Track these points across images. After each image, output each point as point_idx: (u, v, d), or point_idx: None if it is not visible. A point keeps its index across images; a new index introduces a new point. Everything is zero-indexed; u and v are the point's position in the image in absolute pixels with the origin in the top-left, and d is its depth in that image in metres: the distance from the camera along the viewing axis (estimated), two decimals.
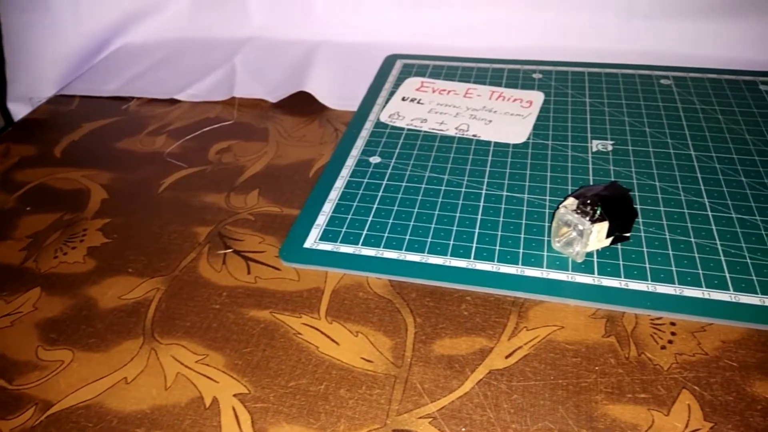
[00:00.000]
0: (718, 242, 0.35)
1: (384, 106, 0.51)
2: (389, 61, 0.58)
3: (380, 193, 0.41)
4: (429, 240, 0.37)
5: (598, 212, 0.33)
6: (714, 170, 0.41)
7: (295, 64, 0.58)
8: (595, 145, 0.45)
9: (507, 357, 0.30)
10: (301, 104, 0.53)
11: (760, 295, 0.32)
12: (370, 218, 0.39)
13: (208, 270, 0.37)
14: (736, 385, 0.28)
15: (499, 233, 0.37)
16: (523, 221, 0.38)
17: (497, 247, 0.36)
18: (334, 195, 0.41)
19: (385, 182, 0.42)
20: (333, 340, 0.32)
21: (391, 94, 0.53)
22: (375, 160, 0.45)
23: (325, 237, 0.38)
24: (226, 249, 0.38)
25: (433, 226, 0.38)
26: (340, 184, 0.42)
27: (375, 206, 0.40)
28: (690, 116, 0.47)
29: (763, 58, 0.53)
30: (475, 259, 0.35)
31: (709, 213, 0.37)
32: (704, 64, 0.53)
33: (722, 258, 0.34)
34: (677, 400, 0.28)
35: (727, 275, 0.33)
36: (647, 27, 0.56)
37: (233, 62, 0.59)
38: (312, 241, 0.38)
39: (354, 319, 0.33)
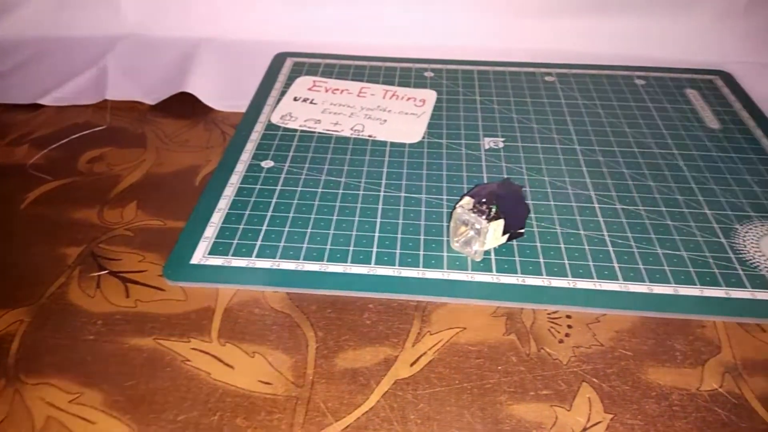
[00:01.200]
0: (605, 233, 0.37)
1: (275, 107, 0.49)
2: (278, 60, 0.56)
3: (274, 200, 0.39)
4: (328, 247, 0.35)
5: (494, 210, 0.33)
6: (597, 163, 0.43)
7: (175, 63, 0.54)
8: (487, 142, 0.45)
9: (412, 365, 0.29)
10: (184, 106, 0.49)
11: (647, 283, 0.33)
12: (263, 227, 0.37)
13: (79, 296, 0.33)
14: (632, 374, 0.29)
15: (399, 236, 0.36)
16: (422, 222, 0.37)
17: (398, 251, 0.35)
18: (223, 204, 0.38)
19: (278, 188, 0.40)
20: (227, 365, 0.29)
21: (282, 93, 0.51)
22: (267, 164, 0.42)
23: (214, 250, 0.35)
24: (101, 270, 0.34)
25: (331, 232, 0.36)
26: (229, 191, 0.40)
27: (269, 214, 0.38)
28: (573, 111, 0.48)
29: (637, 53, 0.56)
30: (376, 264, 0.34)
31: (596, 205, 0.39)
32: (585, 60, 0.55)
33: (610, 249, 0.36)
34: (578, 394, 0.28)
35: (616, 265, 0.34)
36: (531, 25, 0.58)
37: (104, 62, 0.54)
38: (200, 255, 0.35)
39: (250, 338, 0.31)
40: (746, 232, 0.37)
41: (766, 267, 0.34)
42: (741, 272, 0.34)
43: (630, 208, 0.39)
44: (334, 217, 0.37)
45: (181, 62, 0.54)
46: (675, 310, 0.32)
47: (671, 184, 0.40)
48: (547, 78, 0.53)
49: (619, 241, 0.36)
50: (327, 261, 0.34)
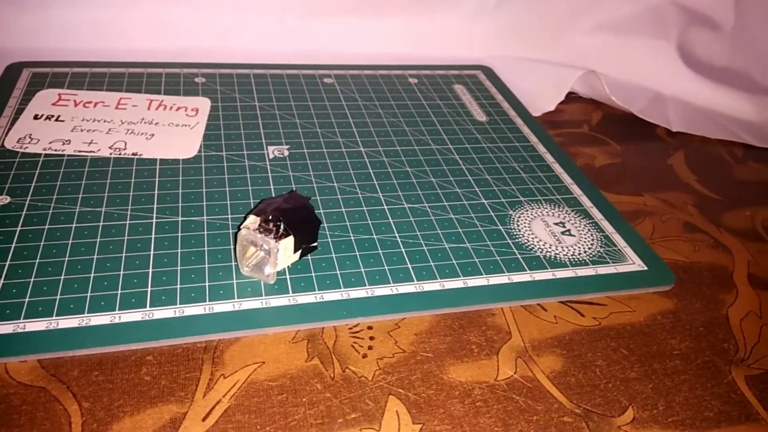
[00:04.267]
0: (397, 235, 0.36)
1: (9, 129, 0.40)
2: (12, 71, 0.47)
3: (13, 245, 0.32)
4: (89, 295, 0.30)
5: (282, 228, 0.31)
6: (383, 164, 0.43)
7: None
8: (272, 151, 0.42)
9: (204, 419, 0.26)
10: None
11: (439, 280, 0.34)
12: (0, 282, 0.30)
13: None
14: (435, 377, 0.29)
15: (179, 268, 0.32)
16: (206, 248, 0.34)
17: (178, 286, 0.31)
18: None
19: (18, 229, 0.33)
20: None
21: (19, 112, 0.42)
22: (2, 201, 0.34)
23: None
24: None
25: (92, 275, 0.31)
26: None
27: (6, 264, 0.30)
28: (355, 113, 0.48)
29: (407, 51, 0.58)
30: (152, 306, 0.30)
31: (385, 207, 0.39)
32: (360, 60, 0.55)
33: (403, 250, 0.35)
34: (386, 409, 0.27)
35: (410, 266, 0.34)
36: (303, 26, 0.56)
37: None
38: None
39: None
40: (519, 217, 0.39)
41: (539, 248, 0.37)
42: (519, 256, 0.36)
43: (416, 206, 0.39)
44: (95, 257, 0.32)
45: None
46: (466, 303, 0.33)
47: (450, 178, 0.42)
48: (326, 80, 0.52)
49: (410, 241, 0.36)
50: (88, 312, 0.29)
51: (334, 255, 0.34)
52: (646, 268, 0.37)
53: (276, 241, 0.31)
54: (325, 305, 0.31)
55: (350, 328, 0.31)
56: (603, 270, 0.36)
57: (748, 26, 0.62)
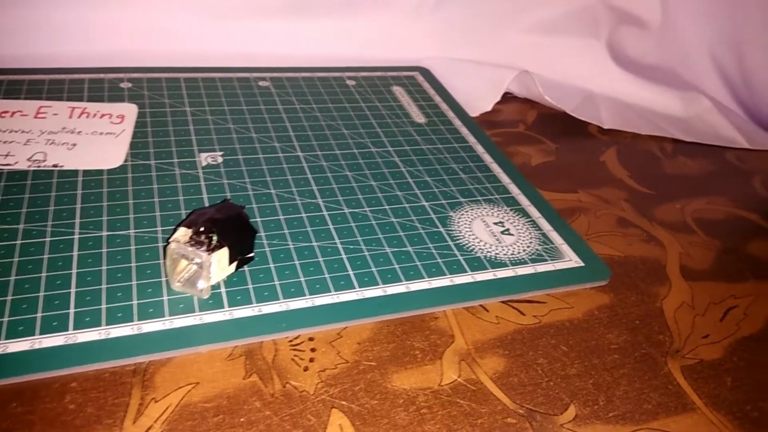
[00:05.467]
0: (337, 241, 0.36)
1: None
2: None
3: None
4: (6, 320, 0.28)
5: (215, 240, 0.30)
6: (322, 169, 0.42)
7: None
8: (204, 158, 0.41)
9: None
10: None
11: (381, 285, 0.33)
12: None
13: None
14: (378, 386, 0.28)
15: (104, 286, 0.30)
16: (133, 264, 0.32)
17: (103, 306, 0.29)
18: None
19: None
20: None
21: None
22: None
23: None
24: None
25: (9, 298, 0.29)
26: None
27: None
28: (292, 117, 0.47)
29: (346, 53, 0.57)
30: (75, 329, 0.28)
31: (325, 213, 0.38)
32: (296, 63, 0.54)
33: (344, 256, 0.35)
34: (328, 423, 0.26)
35: (351, 273, 0.34)
36: (238, 27, 0.54)
37: None
38: None
39: None
40: (459, 218, 0.39)
41: (480, 249, 0.37)
42: (460, 257, 0.36)
43: (357, 210, 0.38)
44: (12, 278, 0.29)
45: None
46: (409, 307, 0.32)
47: (391, 182, 0.42)
48: (261, 83, 0.51)
49: (351, 247, 0.35)
50: (6, 339, 0.27)
51: (272, 265, 0.33)
52: (582, 264, 0.37)
53: (208, 254, 0.29)
54: (263, 318, 0.30)
55: (290, 341, 0.30)
56: (542, 268, 0.36)
57: (674, 24, 0.64)
